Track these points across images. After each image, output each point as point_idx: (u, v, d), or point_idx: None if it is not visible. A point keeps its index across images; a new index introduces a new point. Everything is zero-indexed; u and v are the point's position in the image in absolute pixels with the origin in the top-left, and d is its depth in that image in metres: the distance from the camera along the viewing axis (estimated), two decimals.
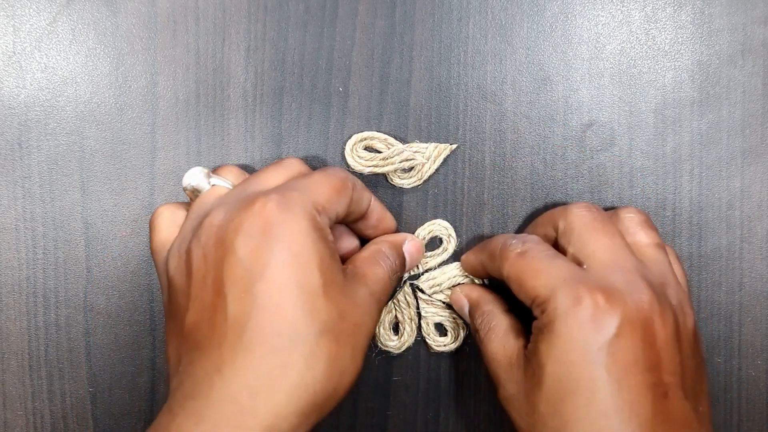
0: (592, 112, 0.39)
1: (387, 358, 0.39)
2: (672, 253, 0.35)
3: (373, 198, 0.36)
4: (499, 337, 0.34)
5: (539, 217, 0.37)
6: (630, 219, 0.35)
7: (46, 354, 0.39)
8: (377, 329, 0.38)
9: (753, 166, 0.39)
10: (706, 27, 0.39)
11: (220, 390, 0.28)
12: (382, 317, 0.39)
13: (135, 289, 0.39)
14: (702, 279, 0.39)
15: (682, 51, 0.39)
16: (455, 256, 0.39)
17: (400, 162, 0.38)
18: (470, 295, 0.37)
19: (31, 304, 0.39)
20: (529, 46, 0.39)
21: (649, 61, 0.39)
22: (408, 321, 0.38)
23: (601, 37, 0.39)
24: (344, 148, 0.38)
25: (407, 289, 0.39)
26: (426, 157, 0.38)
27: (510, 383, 0.33)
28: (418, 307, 0.39)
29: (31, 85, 0.39)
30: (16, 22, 0.39)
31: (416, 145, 0.38)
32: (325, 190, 0.32)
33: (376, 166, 0.38)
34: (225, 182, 0.34)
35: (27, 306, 0.39)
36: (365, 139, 0.38)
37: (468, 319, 0.37)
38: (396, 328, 0.39)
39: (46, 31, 0.39)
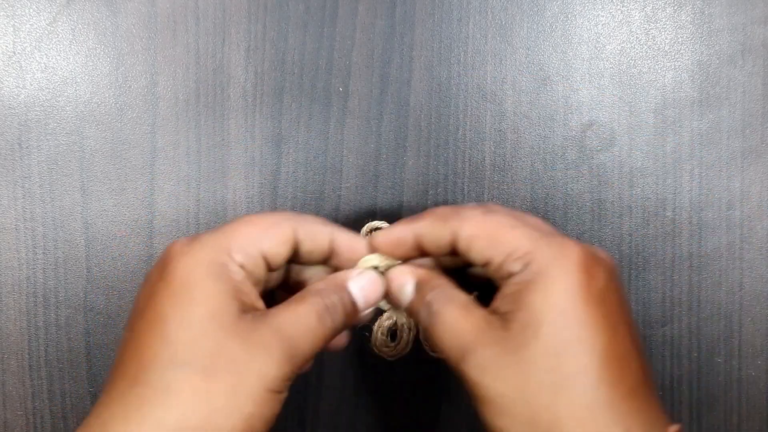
0: (592, 112, 0.39)
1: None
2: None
3: (337, 231, 0.32)
4: (460, 308, 0.31)
5: (424, 217, 0.33)
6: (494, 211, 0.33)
7: (46, 354, 0.39)
8: (373, 334, 0.38)
9: (753, 166, 0.39)
10: (706, 27, 0.39)
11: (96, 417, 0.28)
12: (381, 322, 0.38)
13: (135, 289, 0.39)
14: (702, 279, 0.39)
15: (682, 51, 0.39)
16: None
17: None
18: (417, 271, 0.33)
19: (31, 304, 0.39)
20: (529, 46, 0.39)
21: (649, 61, 0.39)
22: (407, 330, 0.38)
23: (601, 37, 0.39)
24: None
25: None
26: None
27: (485, 348, 0.29)
28: None
29: (31, 85, 0.39)
30: (16, 22, 0.39)
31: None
32: (248, 230, 0.30)
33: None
34: None
35: (27, 306, 0.39)
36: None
37: (404, 303, 0.33)
38: (394, 335, 0.39)
39: (46, 31, 0.39)
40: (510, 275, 0.30)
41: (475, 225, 0.31)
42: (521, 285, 0.29)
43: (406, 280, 0.33)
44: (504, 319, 0.29)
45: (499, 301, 0.30)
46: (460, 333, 0.30)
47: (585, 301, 0.28)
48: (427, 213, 0.33)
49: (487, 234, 0.30)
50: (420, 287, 0.32)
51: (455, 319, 0.30)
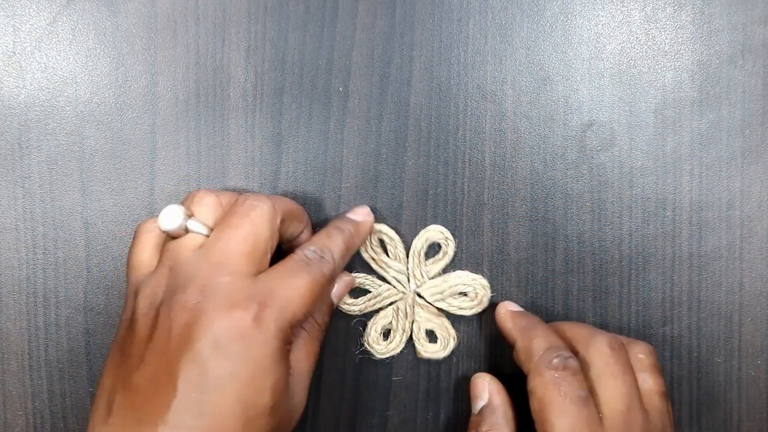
0: (592, 112, 0.39)
1: (387, 359, 0.39)
2: (667, 400, 0.36)
3: (355, 238, 0.36)
4: None
5: (566, 326, 0.37)
6: (641, 360, 0.35)
7: (46, 354, 0.39)
8: (367, 330, 0.38)
9: (753, 166, 0.39)
10: (706, 27, 0.39)
11: None
12: (375, 321, 0.38)
13: None
14: (702, 279, 0.39)
15: (682, 51, 0.39)
16: (455, 259, 0.39)
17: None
18: (489, 392, 0.37)
19: (31, 304, 0.39)
20: (529, 46, 0.39)
21: (649, 61, 0.39)
22: (401, 331, 0.38)
23: (601, 37, 0.39)
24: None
25: (410, 300, 0.38)
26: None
27: None
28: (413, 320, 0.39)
29: (31, 85, 0.39)
30: (16, 22, 0.39)
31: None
32: (304, 303, 0.32)
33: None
34: (201, 228, 0.33)
35: (27, 306, 0.39)
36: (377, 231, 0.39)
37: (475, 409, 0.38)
38: (387, 333, 0.39)
39: (46, 31, 0.39)
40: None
41: (538, 386, 0.34)
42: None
43: (482, 397, 0.37)
44: None
45: None
46: None
47: None
48: (527, 333, 0.36)
49: (539, 403, 0.33)
50: (483, 410, 0.37)
51: None
